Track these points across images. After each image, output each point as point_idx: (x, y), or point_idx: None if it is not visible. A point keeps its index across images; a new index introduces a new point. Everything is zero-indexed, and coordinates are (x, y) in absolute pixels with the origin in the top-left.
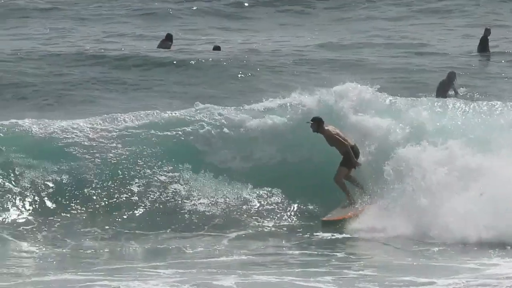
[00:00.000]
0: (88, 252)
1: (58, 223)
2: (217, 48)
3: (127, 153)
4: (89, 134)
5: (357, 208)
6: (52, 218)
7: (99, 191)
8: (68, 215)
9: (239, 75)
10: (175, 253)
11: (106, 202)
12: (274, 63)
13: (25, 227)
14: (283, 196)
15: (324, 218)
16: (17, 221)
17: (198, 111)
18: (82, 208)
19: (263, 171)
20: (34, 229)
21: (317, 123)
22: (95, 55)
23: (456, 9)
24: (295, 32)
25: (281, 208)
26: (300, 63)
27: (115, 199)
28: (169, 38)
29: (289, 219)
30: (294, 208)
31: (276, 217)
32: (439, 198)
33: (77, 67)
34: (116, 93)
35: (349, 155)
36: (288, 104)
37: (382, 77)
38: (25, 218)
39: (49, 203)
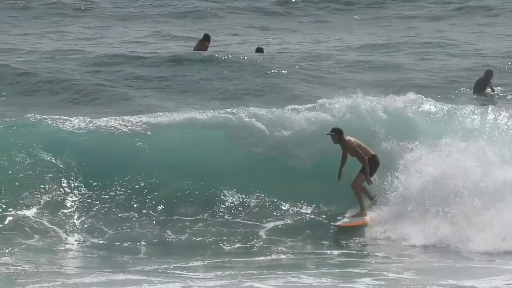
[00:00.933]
0: (125, 245)
1: (96, 212)
2: (259, 50)
3: (162, 144)
4: (127, 127)
5: (367, 217)
6: (89, 207)
7: (136, 180)
8: (106, 203)
9: (279, 77)
10: (213, 248)
11: (143, 191)
12: (317, 65)
13: (64, 216)
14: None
15: (339, 224)
16: (58, 210)
17: (235, 108)
18: (119, 197)
19: (304, 165)
20: (73, 218)
21: (338, 135)
22: (131, 56)
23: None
24: (335, 32)
25: (316, 202)
26: (341, 64)
27: (151, 187)
28: (206, 38)
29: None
30: (328, 208)
31: (312, 211)
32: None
33: (113, 66)
34: (152, 92)
35: (366, 168)
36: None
37: (418, 76)
38: (64, 207)
39: (85, 193)
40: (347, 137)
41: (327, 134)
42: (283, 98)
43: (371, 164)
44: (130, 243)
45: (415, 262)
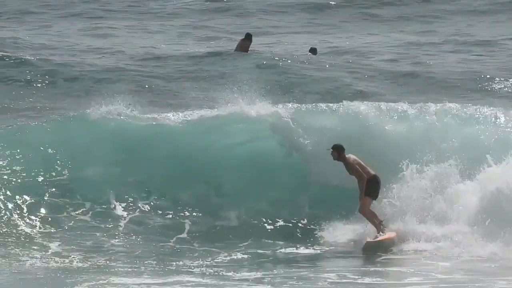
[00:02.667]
0: (165, 251)
1: (132, 213)
2: (313, 50)
3: (197, 148)
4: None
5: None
6: (126, 208)
7: (170, 184)
8: (145, 205)
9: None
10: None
11: (178, 196)
12: (364, 67)
13: (102, 215)
14: None
15: (370, 240)
16: (94, 209)
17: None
18: (154, 200)
19: None
20: (110, 218)
21: (338, 151)
22: (170, 55)
23: None
24: (380, 31)
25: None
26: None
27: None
28: (248, 38)
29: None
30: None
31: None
32: None
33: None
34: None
35: (365, 186)
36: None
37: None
38: (101, 207)
39: (121, 192)
40: (348, 155)
41: (326, 150)
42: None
43: (372, 184)
44: (167, 249)
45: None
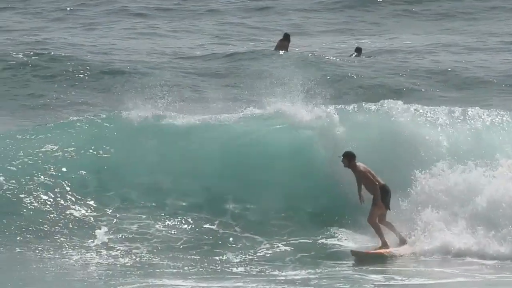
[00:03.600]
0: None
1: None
2: (358, 50)
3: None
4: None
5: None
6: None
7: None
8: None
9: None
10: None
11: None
12: (408, 66)
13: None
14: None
15: (354, 249)
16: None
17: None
18: (193, 203)
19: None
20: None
21: (348, 159)
22: (207, 54)
23: None
24: (423, 29)
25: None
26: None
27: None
28: (286, 38)
29: None
30: None
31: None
32: None
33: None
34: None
35: (378, 196)
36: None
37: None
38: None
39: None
40: (358, 163)
41: (338, 157)
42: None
43: (381, 194)
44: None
45: None
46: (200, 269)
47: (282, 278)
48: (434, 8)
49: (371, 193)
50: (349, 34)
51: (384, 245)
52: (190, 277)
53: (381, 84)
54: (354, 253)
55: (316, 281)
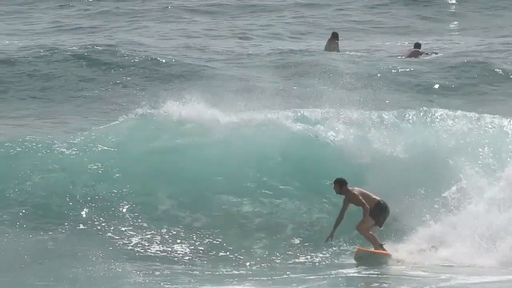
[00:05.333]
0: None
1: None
2: (417, 45)
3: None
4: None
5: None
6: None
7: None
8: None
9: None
10: None
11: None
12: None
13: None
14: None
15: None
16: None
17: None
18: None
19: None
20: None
21: (339, 185)
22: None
23: None
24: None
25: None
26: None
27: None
28: (335, 36)
29: None
30: None
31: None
32: None
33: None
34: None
35: (371, 212)
36: None
37: None
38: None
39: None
40: (352, 188)
41: (329, 183)
42: None
43: (376, 210)
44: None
45: None
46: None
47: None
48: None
49: (363, 210)
50: (410, 34)
51: (377, 247)
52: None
53: (428, 86)
54: (360, 252)
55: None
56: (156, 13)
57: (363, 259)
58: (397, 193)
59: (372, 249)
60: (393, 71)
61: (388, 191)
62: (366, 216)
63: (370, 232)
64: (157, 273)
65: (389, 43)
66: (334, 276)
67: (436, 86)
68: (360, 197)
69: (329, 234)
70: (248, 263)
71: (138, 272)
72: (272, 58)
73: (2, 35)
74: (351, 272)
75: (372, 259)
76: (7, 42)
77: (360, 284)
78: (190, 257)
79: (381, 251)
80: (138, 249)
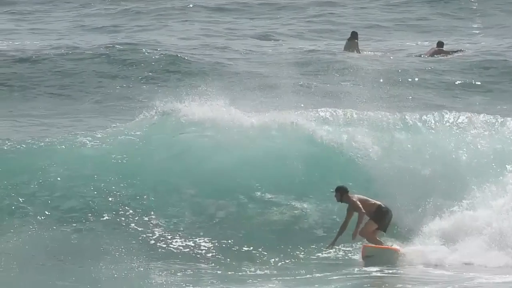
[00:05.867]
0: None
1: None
2: (440, 44)
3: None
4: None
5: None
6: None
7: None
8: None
9: None
10: None
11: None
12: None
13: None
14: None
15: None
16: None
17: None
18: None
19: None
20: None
21: (340, 193)
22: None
23: None
24: None
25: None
26: None
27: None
28: (354, 36)
29: None
30: None
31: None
32: None
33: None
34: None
35: (374, 214)
36: None
37: None
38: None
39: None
40: (352, 195)
41: (330, 191)
42: None
43: (378, 215)
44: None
45: None
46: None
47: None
48: None
49: (370, 216)
50: (432, 32)
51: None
52: None
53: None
54: (367, 250)
55: None
56: (177, 11)
57: (371, 258)
58: (419, 205)
59: (377, 246)
60: (415, 70)
61: (410, 203)
62: (360, 220)
63: (377, 238)
64: (179, 274)
65: (410, 43)
66: (357, 275)
67: (458, 83)
68: (358, 203)
69: (331, 242)
70: (272, 260)
71: (161, 273)
72: (291, 57)
73: (25, 34)
74: (374, 270)
75: (380, 256)
76: (30, 42)
77: (384, 286)
78: (214, 253)
79: (388, 246)
80: (161, 244)
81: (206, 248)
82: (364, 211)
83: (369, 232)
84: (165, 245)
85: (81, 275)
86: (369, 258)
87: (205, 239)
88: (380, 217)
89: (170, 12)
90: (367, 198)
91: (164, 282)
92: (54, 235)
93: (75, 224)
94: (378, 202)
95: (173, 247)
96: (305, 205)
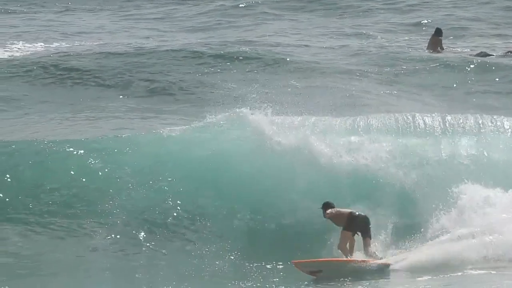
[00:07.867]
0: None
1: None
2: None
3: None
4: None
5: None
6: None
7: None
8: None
9: None
10: None
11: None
12: None
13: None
14: None
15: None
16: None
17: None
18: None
19: None
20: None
21: (324, 209)
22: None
23: None
24: None
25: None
26: None
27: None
28: (438, 33)
29: None
30: None
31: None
32: None
33: None
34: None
35: (346, 223)
36: None
37: None
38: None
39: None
40: (329, 210)
41: (318, 209)
42: None
43: (349, 221)
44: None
45: None
46: None
47: None
48: None
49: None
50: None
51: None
52: None
53: None
54: (303, 265)
55: None
56: (264, 11)
57: (320, 273)
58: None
59: (310, 259)
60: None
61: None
62: (348, 225)
63: (347, 246)
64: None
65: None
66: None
67: None
68: (332, 218)
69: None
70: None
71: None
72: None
73: (121, 33)
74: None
75: (328, 268)
76: (124, 40)
77: None
78: (242, 272)
79: (324, 259)
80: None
81: (232, 262)
82: (346, 217)
83: (344, 244)
84: (189, 258)
85: None
86: (319, 274)
87: (232, 255)
88: (351, 222)
89: (257, 9)
90: (340, 210)
91: None
92: (74, 241)
93: (96, 232)
94: (349, 210)
95: (196, 259)
96: None
